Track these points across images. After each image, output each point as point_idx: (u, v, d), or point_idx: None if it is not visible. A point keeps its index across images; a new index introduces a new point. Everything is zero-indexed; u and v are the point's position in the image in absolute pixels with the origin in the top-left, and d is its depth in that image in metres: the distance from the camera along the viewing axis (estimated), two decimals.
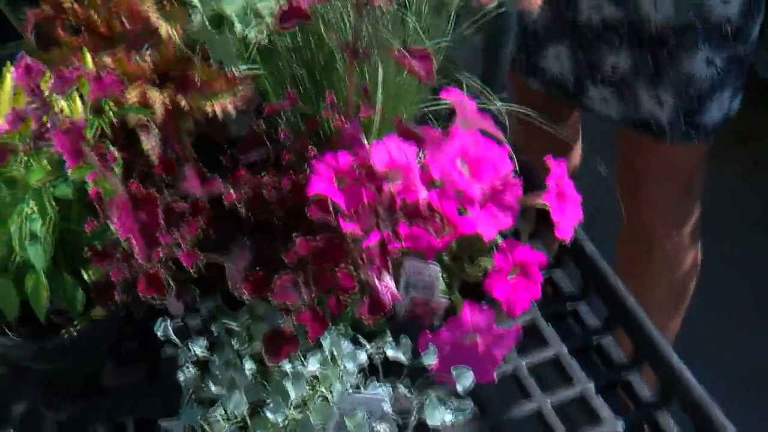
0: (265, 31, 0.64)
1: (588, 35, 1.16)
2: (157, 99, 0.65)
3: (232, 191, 0.61)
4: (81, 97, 0.60)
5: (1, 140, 0.47)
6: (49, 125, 0.47)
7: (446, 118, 0.73)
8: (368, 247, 0.53)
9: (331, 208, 0.59)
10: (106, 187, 0.55)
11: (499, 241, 0.67)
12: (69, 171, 0.47)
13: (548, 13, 1.18)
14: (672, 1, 1.07)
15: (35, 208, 0.61)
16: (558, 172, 0.67)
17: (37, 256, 0.63)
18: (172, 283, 0.61)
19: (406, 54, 0.56)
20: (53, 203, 0.63)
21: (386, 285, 0.57)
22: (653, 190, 1.25)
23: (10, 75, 0.63)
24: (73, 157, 0.47)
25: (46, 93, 0.49)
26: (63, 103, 0.57)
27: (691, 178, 1.25)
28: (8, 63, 0.63)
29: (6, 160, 0.48)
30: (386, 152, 0.61)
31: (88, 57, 0.61)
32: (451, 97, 0.69)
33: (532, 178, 0.75)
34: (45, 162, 0.62)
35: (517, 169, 0.68)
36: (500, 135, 0.69)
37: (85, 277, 0.70)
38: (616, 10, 1.11)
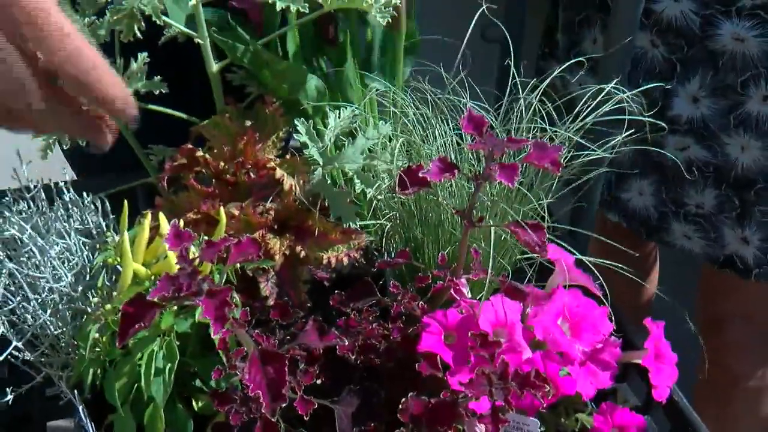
0: (383, 189, 0.69)
1: (672, 173, 1.18)
2: (277, 247, 0.70)
3: (345, 341, 0.65)
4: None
5: (157, 301, 0.52)
6: (195, 289, 0.52)
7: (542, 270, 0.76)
8: (481, 414, 0.56)
9: (439, 364, 0.62)
10: (233, 341, 0.59)
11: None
12: (212, 335, 0.51)
13: (632, 150, 1.22)
14: (759, 144, 1.09)
15: (163, 349, 0.66)
16: (656, 334, 0.69)
17: (159, 391, 0.67)
18: (283, 425, 0.64)
19: (522, 226, 0.59)
20: (176, 343, 0.68)
21: None
22: (737, 330, 1.26)
23: (147, 221, 0.69)
24: (218, 323, 0.51)
25: (192, 257, 0.53)
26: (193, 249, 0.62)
27: None
28: (147, 214, 0.69)
29: (154, 318, 0.53)
30: (493, 312, 0.64)
31: (222, 213, 0.66)
32: (552, 253, 0.72)
33: (622, 327, 0.78)
34: (174, 307, 0.67)
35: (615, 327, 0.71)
36: (599, 293, 0.72)
37: (195, 406, 0.74)
38: (703, 152, 1.14)
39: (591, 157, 0.81)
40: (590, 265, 0.77)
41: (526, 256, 0.78)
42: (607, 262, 0.80)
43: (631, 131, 0.78)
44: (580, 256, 0.76)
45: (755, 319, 1.25)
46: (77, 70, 0.48)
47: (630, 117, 0.90)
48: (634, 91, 0.86)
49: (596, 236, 0.99)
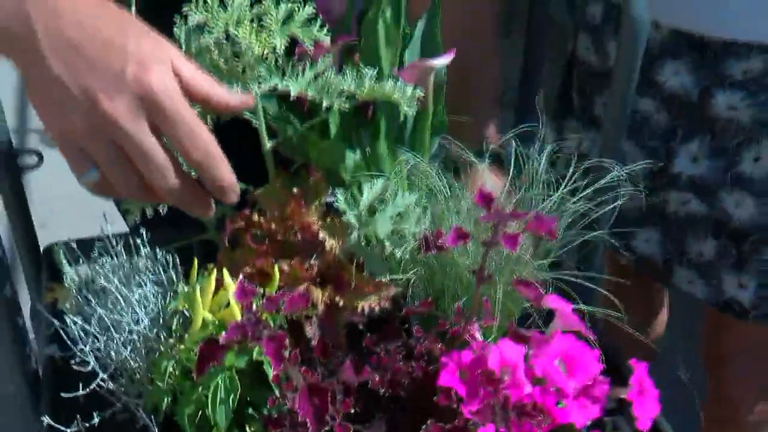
0: (408, 249, 0.82)
1: (675, 225, 1.30)
2: (320, 297, 0.84)
3: (377, 377, 0.78)
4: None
5: (227, 343, 0.65)
6: (258, 335, 0.65)
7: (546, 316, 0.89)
8: None
9: (454, 396, 0.75)
10: (283, 375, 0.73)
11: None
12: (273, 373, 0.64)
13: (640, 202, 1.34)
14: (753, 202, 1.21)
15: (226, 382, 0.80)
16: (639, 372, 0.81)
17: (222, 417, 0.81)
18: None
19: (523, 283, 0.72)
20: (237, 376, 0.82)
21: None
22: (737, 366, 1.37)
23: (212, 278, 0.83)
24: (277, 362, 0.64)
25: (256, 308, 0.67)
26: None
27: None
28: (213, 268, 0.83)
29: (223, 359, 0.66)
30: (499, 354, 0.77)
31: (276, 270, 0.80)
32: (552, 303, 0.85)
33: (617, 363, 0.90)
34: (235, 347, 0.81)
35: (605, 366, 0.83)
36: (592, 337, 0.84)
37: (247, 431, 0.88)
38: (702, 206, 1.26)
39: (599, 211, 0.94)
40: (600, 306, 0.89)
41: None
42: (603, 310, 0.93)
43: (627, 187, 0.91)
44: (581, 306, 0.89)
45: (754, 356, 1.36)
46: (203, 154, 0.64)
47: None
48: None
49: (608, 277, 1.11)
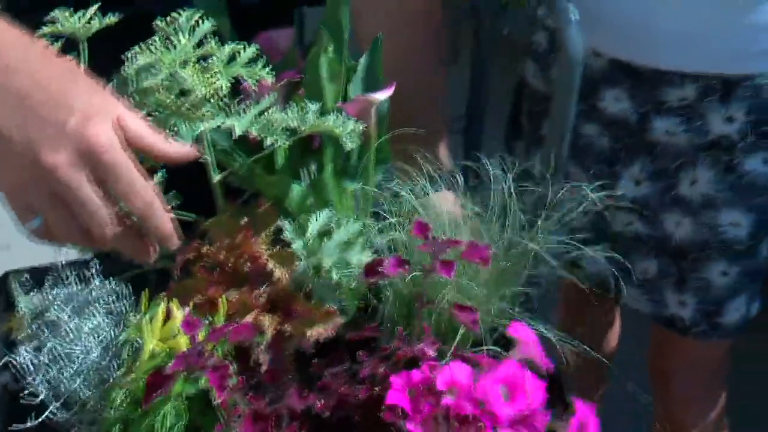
0: (354, 277, 0.85)
1: (621, 244, 1.35)
2: (268, 325, 0.86)
3: (322, 401, 0.81)
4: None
5: (173, 373, 0.68)
6: (203, 365, 0.68)
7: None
8: None
9: (400, 413, 0.78)
10: (233, 402, 0.75)
11: None
12: (217, 401, 0.67)
13: (587, 224, 1.39)
14: (691, 222, 1.26)
15: (175, 409, 0.82)
16: (582, 412, 0.83)
17: None
18: None
19: (457, 310, 0.76)
20: (185, 403, 0.84)
21: None
22: (679, 380, 1.41)
23: (161, 308, 0.85)
24: (221, 390, 0.67)
25: (202, 339, 0.69)
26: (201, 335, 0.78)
27: (715, 371, 1.41)
28: (165, 299, 0.85)
29: (171, 387, 0.68)
30: (449, 375, 0.80)
31: (225, 302, 0.83)
32: (516, 333, 0.87)
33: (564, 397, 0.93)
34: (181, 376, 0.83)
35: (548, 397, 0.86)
36: (550, 368, 0.86)
37: None
38: (645, 227, 1.31)
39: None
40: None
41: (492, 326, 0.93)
42: (563, 334, 0.96)
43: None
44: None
45: (695, 371, 1.41)
46: (143, 205, 0.67)
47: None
48: None
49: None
